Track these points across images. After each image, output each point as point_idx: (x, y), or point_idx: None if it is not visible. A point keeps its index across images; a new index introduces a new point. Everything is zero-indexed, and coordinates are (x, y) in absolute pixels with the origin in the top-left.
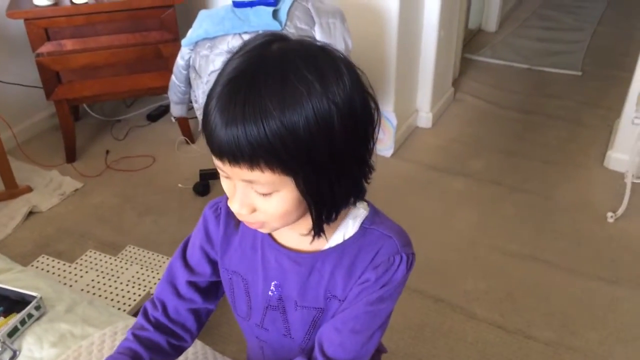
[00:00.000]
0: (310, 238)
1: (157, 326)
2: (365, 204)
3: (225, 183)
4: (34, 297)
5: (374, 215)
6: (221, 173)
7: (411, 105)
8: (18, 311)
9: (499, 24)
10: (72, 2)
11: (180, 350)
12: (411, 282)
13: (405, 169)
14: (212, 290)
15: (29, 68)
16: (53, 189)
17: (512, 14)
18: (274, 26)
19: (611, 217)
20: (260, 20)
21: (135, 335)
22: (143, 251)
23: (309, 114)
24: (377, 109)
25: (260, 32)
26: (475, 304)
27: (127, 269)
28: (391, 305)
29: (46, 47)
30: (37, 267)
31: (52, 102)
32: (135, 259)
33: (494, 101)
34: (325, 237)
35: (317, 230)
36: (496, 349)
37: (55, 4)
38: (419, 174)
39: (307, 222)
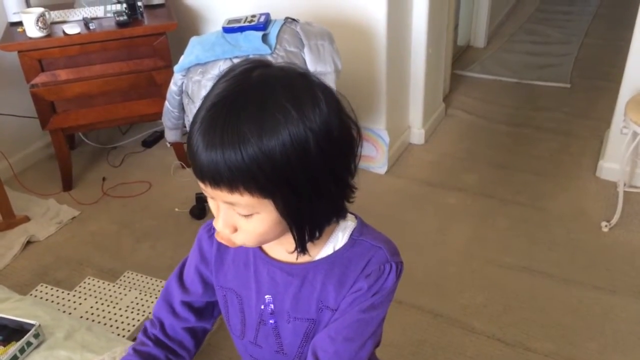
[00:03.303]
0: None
1: (156, 342)
2: (353, 216)
3: (211, 203)
4: (32, 325)
5: (362, 227)
6: (205, 193)
7: (403, 122)
8: (17, 340)
9: (488, 40)
10: (65, 33)
11: None
12: (409, 297)
13: (400, 185)
14: (206, 310)
15: (24, 99)
16: (50, 218)
17: (500, 29)
18: (263, 50)
19: (605, 226)
20: (250, 45)
21: (135, 351)
22: (141, 276)
23: (285, 140)
24: (359, 131)
25: (250, 56)
26: (473, 318)
27: (125, 294)
28: (382, 312)
29: (40, 78)
30: (35, 296)
31: (48, 132)
32: (134, 284)
33: (485, 115)
34: (310, 254)
35: (301, 249)
36: None
37: (49, 36)
38: (413, 190)
39: (292, 240)
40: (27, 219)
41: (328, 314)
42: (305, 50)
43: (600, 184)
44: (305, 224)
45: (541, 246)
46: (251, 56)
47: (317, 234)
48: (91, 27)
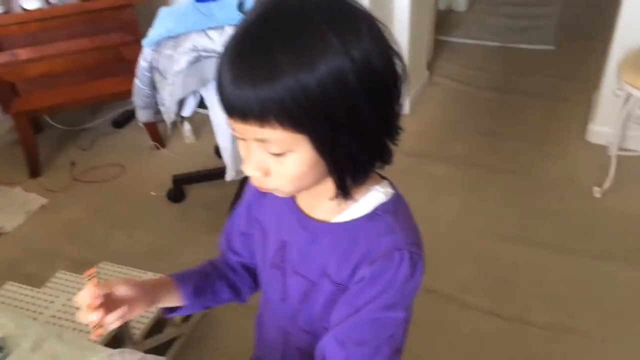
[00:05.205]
0: (328, 205)
1: (224, 265)
2: (390, 190)
3: (240, 145)
4: None
5: (393, 204)
6: (234, 133)
7: None
8: None
9: (469, 3)
10: (23, 9)
11: (239, 294)
12: None
13: None
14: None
15: None
16: (17, 207)
17: None
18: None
19: (597, 192)
20: (226, 14)
21: (210, 262)
22: (118, 267)
23: (322, 70)
24: (403, 65)
25: (226, 27)
26: (468, 293)
27: None
28: (400, 313)
29: None
30: (2, 296)
31: (10, 116)
32: (110, 276)
33: (470, 82)
34: (353, 197)
35: (343, 192)
36: (494, 337)
37: (6, 12)
38: (399, 161)
39: (331, 187)
40: None
41: (327, 284)
42: None
43: (590, 148)
44: (345, 163)
45: (534, 215)
46: (226, 27)
47: (361, 177)
48: (52, 1)
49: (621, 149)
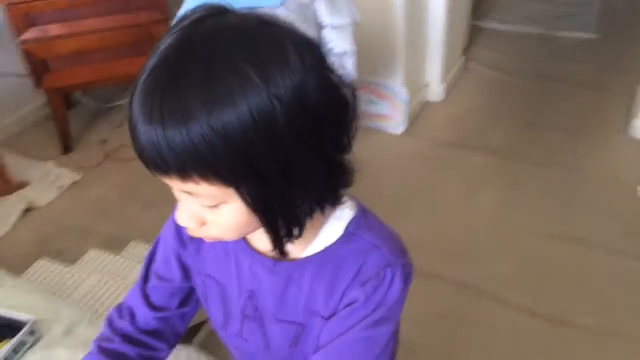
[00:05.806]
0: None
1: (125, 338)
2: (352, 203)
3: (172, 189)
4: (26, 322)
5: (362, 217)
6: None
7: (421, 78)
8: (11, 337)
9: None
10: None
11: None
12: (435, 267)
13: (419, 146)
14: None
15: (15, 57)
16: (50, 183)
17: None
18: (272, 1)
19: None
20: None
21: (101, 349)
22: (149, 247)
23: (243, 113)
24: (354, 93)
25: (257, 8)
26: (504, 289)
27: (133, 267)
28: (392, 327)
29: (31, 34)
30: (34, 274)
31: (41, 93)
32: (141, 256)
33: (508, 70)
34: (294, 251)
35: (279, 250)
36: (531, 336)
37: None
38: (434, 151)
39: None
40: (25, 185)
41: (318, 321)
42: (319, 0)
43: (634, 143)
44: (278, 220)
45: (576, 211)
46: (257, 8)
47: (298, 232)
48: None
49: None
